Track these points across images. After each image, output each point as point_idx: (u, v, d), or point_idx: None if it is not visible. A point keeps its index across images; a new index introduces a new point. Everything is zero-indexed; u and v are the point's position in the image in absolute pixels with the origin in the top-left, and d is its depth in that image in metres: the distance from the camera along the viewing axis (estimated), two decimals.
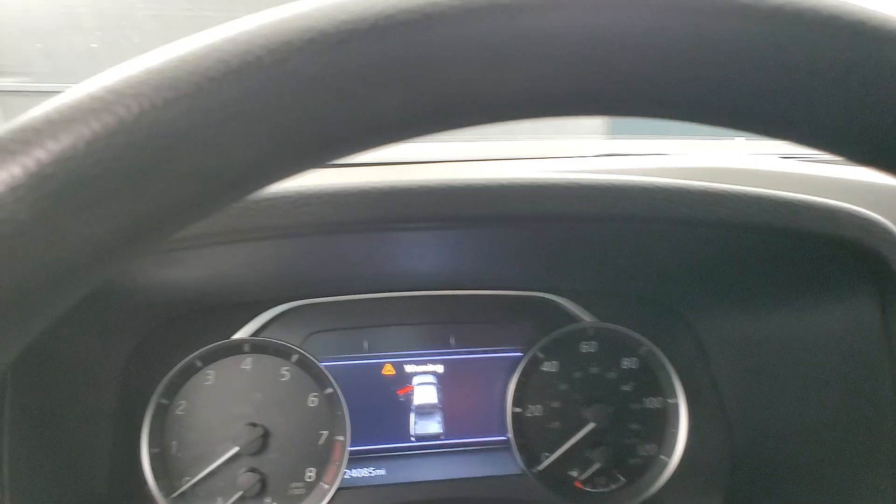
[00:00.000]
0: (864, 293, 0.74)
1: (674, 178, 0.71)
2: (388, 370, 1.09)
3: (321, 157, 0.30)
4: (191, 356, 1.00)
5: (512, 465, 1.07)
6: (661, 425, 1.11)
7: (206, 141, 0.27)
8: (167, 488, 0.98)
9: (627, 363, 1.12)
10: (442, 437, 1.08)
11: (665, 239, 0.83)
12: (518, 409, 1.08)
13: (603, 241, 0.88)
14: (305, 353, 1.04)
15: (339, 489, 1.02)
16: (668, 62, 0.28)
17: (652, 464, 1.10)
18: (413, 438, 1.08)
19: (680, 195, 0.70)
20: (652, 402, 1.11)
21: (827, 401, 0.83)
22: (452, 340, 1.11)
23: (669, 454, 1.10)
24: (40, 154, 0.25)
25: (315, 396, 1.05)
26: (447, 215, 0.68)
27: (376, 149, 0.31)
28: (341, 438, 1.03)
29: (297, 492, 1.02)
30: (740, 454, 0.99)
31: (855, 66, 0.29)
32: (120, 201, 0.27)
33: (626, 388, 1.11)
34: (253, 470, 1.00)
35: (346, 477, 1.04)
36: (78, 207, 0.26)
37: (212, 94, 0.27)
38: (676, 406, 1.10)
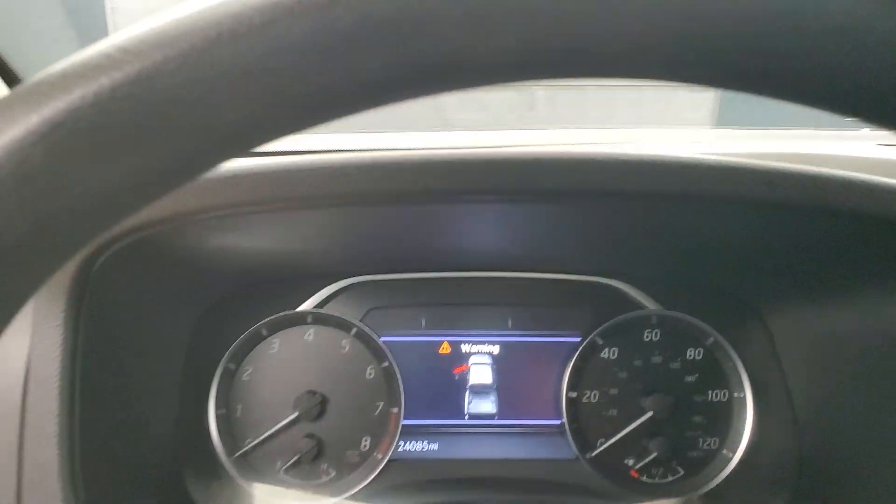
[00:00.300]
0: None
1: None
2: (445, 348, 1.10)
3: (310, 118, 0.31)
4: (257, 325, 1.06)
5: (565, 449, 1.07)
6: (726, 419, 1.07)
7: (201, 99, 0.28)
8: (230, 448, 1.04)
9: (692, 354, 1.08)
10: (496, 417, 1.09)
11: (736, 225, 0.80)
12: (573, 394, 1.07)
13: (671, 227, 0.86)
14: (364, 328, 1.07)
15: (391, 460, 1.05)
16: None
17: (713, 458, 1.06)
18: (467, 417, 1.09)
19: (749, 174, 0.67)
20: (717, 395, 1.07)
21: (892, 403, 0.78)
22: (510, 322, 1.11)
23: (733, 449, 1.05)
24: (54, 104, 0.28)
25: (372, 369, 1.08)
26: (509, 188, 0.67)
27: (367, 110, 0.32)
28: (396, 411, 1.06)
29: (352, 459, 1.05)
30: (808, 454, 0.94)
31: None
32: (123, 152, 0.29)
33: (689, 378, 1.08)
34: (311, 435, 1.04)
35: (399, 449, 1.06)
36: (85, 155, 0.28)
37: (205, 54, 0.28)
38: (743, 400, 1.06)
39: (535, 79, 0.32)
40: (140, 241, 0.69)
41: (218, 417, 1.04)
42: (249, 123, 0.31)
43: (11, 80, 0.97)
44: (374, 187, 0.65)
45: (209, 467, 1.01)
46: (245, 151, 0.33)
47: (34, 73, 0.29)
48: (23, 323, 0.71)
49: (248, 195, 0.65)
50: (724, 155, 0.69)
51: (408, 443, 1.07)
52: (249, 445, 1.04)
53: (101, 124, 0.28)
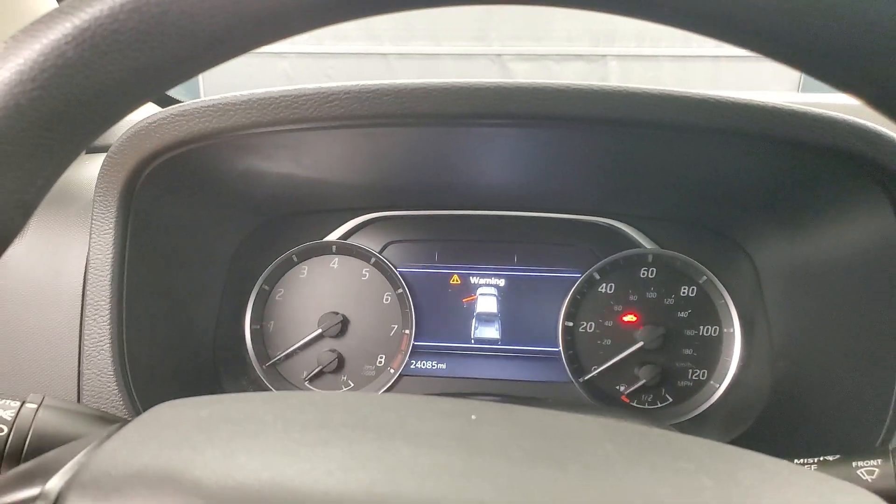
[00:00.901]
0: (883, 207, 0.74)
1: None
2: (455, 280, 1.21)
3: (270, 32, 0.42)
4: (289, 251, 1.19)
5: (561, 373, 1.16)
6: (715, 353, 1.14)
7: (185, 10, 0.40)
8: (262, 358, 1.18)
9: (685, 291, 1.16)
10: (499, 343, 1.19)
11: (721, 159, 0.86)
12: (570, 324, 1.16)
13: (666, 164, 0.93)
14: (383, 258, 1.19)
15: (403, 375, 1.17)
16: None
17: (700, 388, 1.14)
18: (473, 341, 1.20)
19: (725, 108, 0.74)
20: (708, 331, 1.14)
21: (857, 322, 0.84)
22: (516, 258, 1.20)
23: (720, 380, 1.13)
24: (82, 14, 0.40)
25: (389, 295, 1.20)
26: (517, 112, 0.74)
27: (319, 27, 0.43)
28: (408, 332, 1.18)
29: (368, 373, 1.18)
30: (779, 382, 1.01)
31: None
32: (132, 49, 0.40)
33: (681, 314, 1.15)
34: (332, 350, 1.17)
35: (410, 366, 1.18)
36: (104, 52, 0.40)
37: None
38: (732, 335, 1.13)
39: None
40: (177, 158, 0.82)
41: (252, 331, 1.18)
42: (221, 35, 0.42)
43: None
44: (394, 110, 0.75)
45: (243, 374, 1.16)
46: (222, 61, 0.44)
47: None
48: (84, 226, 0.86)
49: (267, 116, 0.77)
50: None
51: (418, 361, 1.19)
52: (279, 356, 1.18)
53: (115, 29, 0.39)
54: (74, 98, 0.40)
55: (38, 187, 0.42)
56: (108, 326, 0.82)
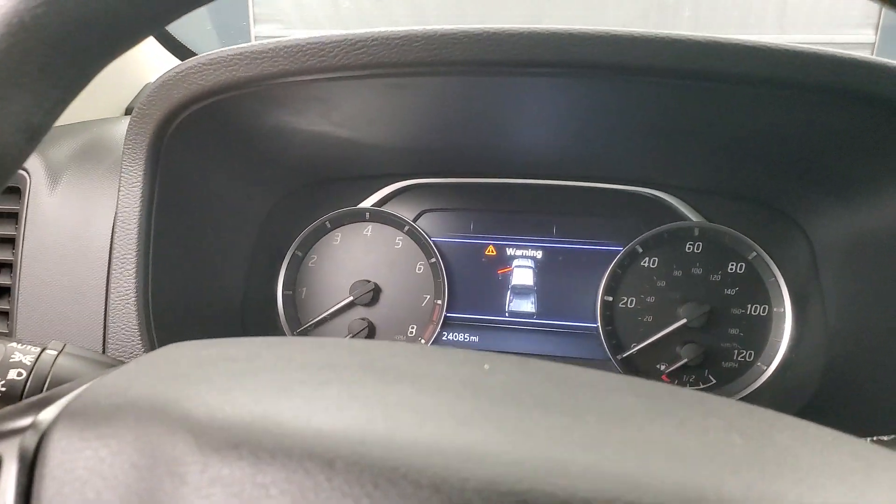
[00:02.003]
0: None
1: None
2: (491, 251, 1.17)
3: None
4: (322, 218, 1.18)
5: (599, 350, 1.12)
6: (763, 333, 1.08)
7: None
8: (294, 325, 1.17)
9: (733, 267, 1.09)
10: (534, 317, 1.15)
11: (768, 116, 0.80)
12: (609, 298, 1.11)
13: (713, 126, 0.88)
14: (416, 227, 1.16)
15: (433, 346, 1.14)
16: None
17: (746, 369, 1.08)
18: (507, 314, 1.16)
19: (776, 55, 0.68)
20: (756, 310, 1.08)
21: None
22: (555, 229, 1.16)
23: (768, 363, 1.06)
24: None
25: (422, 265, 1.17)
26: (555, 60, 0.70)
27: None
28: (440, 303, 1.15)
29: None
30: (834, 363, 0.94)
31: None
32: None
33: (728, 291, 1.09)
34: (363, 319, 1.15)
35: (442, 338, 1.16)
36: None
37: None
38: (782, 315, 1.06)
39: None
40: (205, 110, 0.81)
41: (284, 297, 1.17)
42: None
43: None
44: (423, 57, 0.71)
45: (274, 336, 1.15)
46: None
47: None
48: (115, 180, 0.86)
49: (294, 64, 0.75)
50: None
51: (450, 333, 1.16)
52: (310, 323, 1.17)
53: None
54: (80, 19, 0.38)
55: (46, 110, 0.41)
56: (134, 280, 0.81)
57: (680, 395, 0.46)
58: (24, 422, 0.41)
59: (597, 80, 0.74)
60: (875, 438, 0.61)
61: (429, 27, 0.70)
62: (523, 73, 0.71)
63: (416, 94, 0.81)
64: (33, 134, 0.41)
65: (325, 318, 1.16)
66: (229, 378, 0.42)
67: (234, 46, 0.75)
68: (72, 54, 0.40)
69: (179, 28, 1.50)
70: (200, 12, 0.51)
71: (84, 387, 0.45)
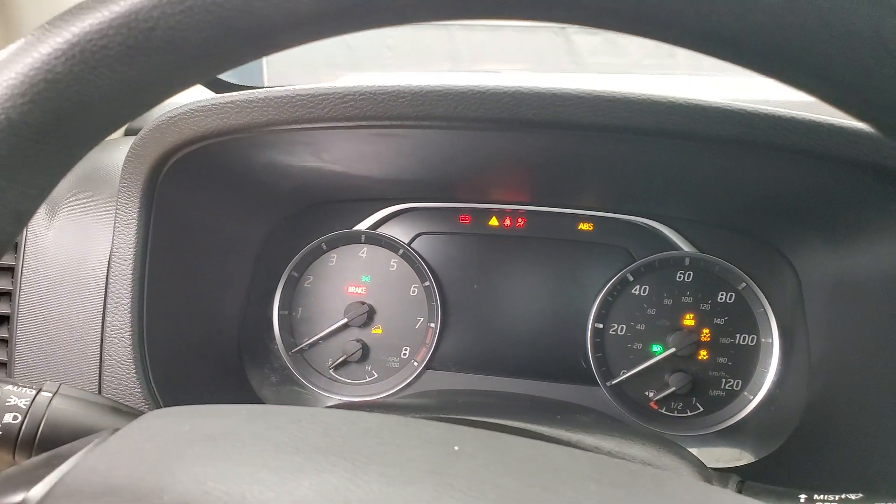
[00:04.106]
0: None
1: None
2: (484, 275, 1.19)
3: (257, 47, 0.41)
4: (318, 239, 1.19)
5: (588, 376, 1.13)
6: (751, 363, 1.09)
7: (173, 25, 0.39)
8: (289, 345, 1.19)
9: (723, 297, 1.10)
10: (526, 343, 1.17)
11: (755, 169, 0.82)
12: (599, 325, 1.13)
13: (699, 174, 0.89)
14: (411, 249, 1.18)
15: (426, 368, 1.17)
16: None
17: (733, 398, 1.09)
18: (499, 339, 1.18)
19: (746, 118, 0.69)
20: (745, 339, 1.09)
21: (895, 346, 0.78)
22: (548, 255, 1.17)
23: (755, 392, 1.08)
24: (72, 29, 0.39)
25: (416, 287, 1.19)
26: (538, 119, 0.71)
27: (303, 43, 0.41)
28: (433, 325, 1.17)
29: (392, 365, 1.18)
30: (814, 400, 0.95)
31: None
32: (121, 64, 0.40)
33: (718, 321, 1.10)
34: (358, 340, 1.18)
35: (434, 360, 1.18)
36: (93, 66, 0.39)
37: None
38: (770, 345, 1.08)
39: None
40: (198, 152, 0.82)
41: (280, 317, 1.19)
42: (208, 49, 0.41)
43: None
44: (410, 112, 0.73)
45: (266, 363, 1.18)
46: (210, 75, 0.43)
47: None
48: (111, 213, 0.88)
49: (284, 115, 0.76)
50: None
51: (443, 355, 1.18)
52: (305, 343, 1.19)
53: (104, 44, 0.39)
54: (65, 112, 0.40)
55: (32, 198, 0.42)
56: (129, 315, 0.84)
57: (639, 478, 0.47)
58: (15, 498, 0.44)
59: (580, 136, 0.75)
60: (843, 497, 0.63)
61: (415, 83, 0.71)
62: (507, 129, 0.72)
63: (403, 140, 0.82)
64: (19, 219, 0.42)
65: (319, 339, 1.19)
66: (205, 463, 0.44)
67: (225, 95, 0.77)
68: (58, 144, 0.42)
69: None
70: None
71: (73, 459, 0.47)
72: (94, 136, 0.44)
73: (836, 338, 0.93)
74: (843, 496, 0.62)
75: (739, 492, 0.67)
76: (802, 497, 0.64)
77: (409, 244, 1.19)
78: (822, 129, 0.66)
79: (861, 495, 0.62)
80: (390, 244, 1.19)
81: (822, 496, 0.63)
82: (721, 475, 0.72)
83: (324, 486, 0.42)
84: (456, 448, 0.48)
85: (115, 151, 1.05)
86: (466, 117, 0.71)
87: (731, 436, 1.07)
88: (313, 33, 0.41)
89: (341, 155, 0.91)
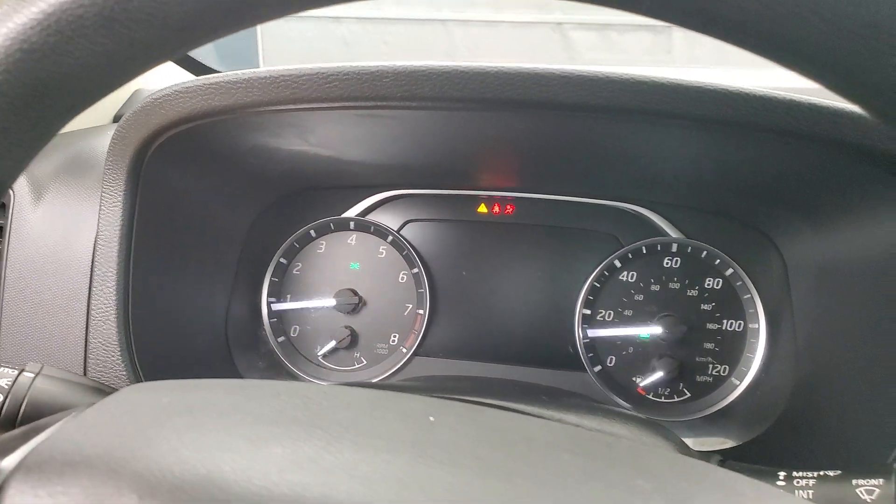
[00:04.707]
0: None
1: None
2: (473, 262, 1.19)
3: (246, 17, 0.41)
4: (307, 226, 1.19)
5: (576, 361, 1.14)
6: (738, 349, 1.09)
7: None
8: (278, 332, 1.19)
9: (710, 283, 1.11)
10: (514, 329, 1.17)
11: (733, 154, 0.82)
12: (587, 311, 1.13)
13: (683, 156, 0.89)
14: (400, 236, 1.18)
15: (415, 355, 1.17)
16: None
17: (720, 384, 1.10)
18: (488, 325, 1.18)
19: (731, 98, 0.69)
20: (732, 325, 1.10)
21: (878, 329, 0.79)
22: (536, 241, 1.17)
23: (741, 378, 1.08)
24: (44, 2, 0.39)
25: (405, 274, 1.19)
26: (522, 98, 0.71)
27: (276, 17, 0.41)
28: (422, 312, 1.17)
29: (381, 351, 1.18)
30: (800, 384, 0.96)
31: None
32: (98, 35, 0.40)
33: (705, 307, 1.11)
34: (347, 327, 1.18)
35: (423, 347, 1.18)
36: (69, 37, 0.39)
37: None
38: (756, 331, 1.08)
39: None
40: (183, 134, 0.82)
41: (269, 304, 1.20)
42: (189, 20, 0.41)
43: None
44: (393, 92, 0.72)
45: (254, 348, 1.18)
46: (191, 46, 0.43)
47: None
48: (97, 197, 0.88)
49: (268, 95, 0.76)
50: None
51: (431, 342, 1.18)
52: (294, 331, 1.19)
53: (80, 14, 0.39)
54: (41, 83, 0.40)
55: (9, 169, 0.42)
56: (114, 298, 0.84)
57: (615, 450, 0.48)
58: None
59: (565, 117, 0.75)
60: (821, 473, 0.63)
61: (399, 63, 0.71)
62: (491, 109, 0.73)
63: (389, 122, 0.83)
64: None
65: (308, 325, 1.19)
66: (181, 433, 0.44)
67: (209, 76, 0.77)
68: (35, 116, 0.42)
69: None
70: None
71: (48, 431, 0.47)
72: (73, 108, 0.44)
73: (822, 322, 0.93)
74: (821, 473, 0.63)
75: None
76: (782, 474, 0.64)
77: (398, 231, 1.19)
78: (802, 109, 0.66)
79: (839, 472, 0.62)
80: (379, 231, 1.19)
81: (801, 473, 0.64)
82: (703, 455, 0.72)
83: (297, 453, 0.42)
84: (432, 419, 0.49)
85: (102, 137, 1.05)
86: (451, 97, 0.71)
87: (718, 421, 1.08)
88: (294, 2, 0.41)
89: (328, 138, 0.91)
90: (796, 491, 0.62)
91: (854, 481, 0.61)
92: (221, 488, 0.38)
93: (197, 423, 0.46)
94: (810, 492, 0.61)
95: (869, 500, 0.60)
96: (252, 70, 0.76)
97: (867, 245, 0.81)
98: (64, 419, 0.49)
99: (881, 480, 0.59)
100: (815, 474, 0.63)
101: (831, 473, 0.63)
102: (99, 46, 0.40)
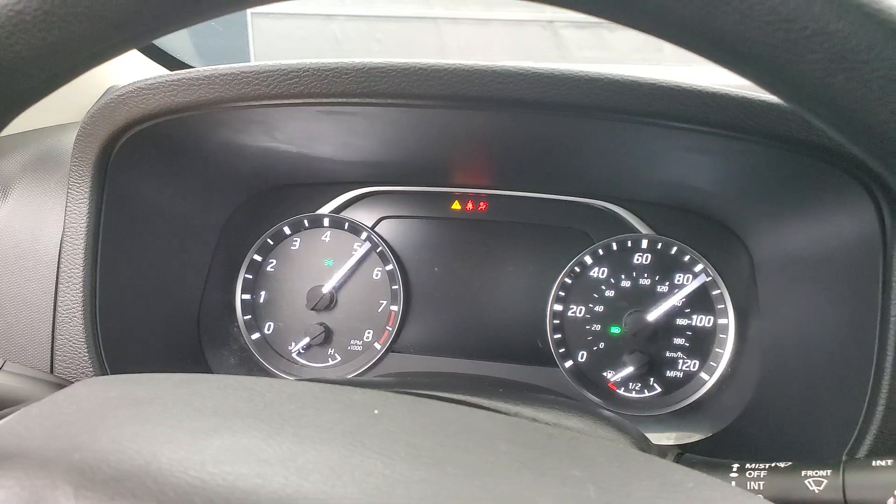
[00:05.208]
0: (864, 203, 0.70)
1: None
2: (446, 258, 1.19)
3: (186, 15, 0.41)
4: (281, 223, 1.20)
5: (547, 357, 1.14)
6: (707, 344, 1.10)
7: None
8: (252, 329, 1.20)
9: (680, 279, 1.12)
10: (487, 324, 1.18)
11: (700, 148, 0.83)
12: (558, 307, 1.14)
13: (652, 151, 0.90)
14: (374, 233, 1.18)
15: (389, 351, 1.18)
16: None
17: (690, 379, 1.11)
18: (460, 321, 1.18)
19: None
20: (702, 321, 1.11)
21: (837, 323, 0.80)
22: (508, 238, 1.18)
23: (711, 373, 1.09)
24: None
25: (379, 271, 1.20)
26: (478, 95, 0.71)
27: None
28: (396, 309, 1.18)
29: (355, 347, 1.19)
30: (765, 379, 0.97)
31: None
32: (38, 30, 0.40)
33: (675, 303, 1.11)
34: (321, 324, 1.18)
35: (396, 343, 1.18)
36: (9, 32, 0.39)
37: None
38: (726, 327, 1.09)
39: None
40: (148, 131, 0.83)
41: (243, 301, 1.20)
42: (129, 15, 0.41)
43: None
44: (353, 88, 0.73)
45: (226, 345, 1.18)
46: (136, 43, 0.44)
47: None
48: (64, 194, 0.88)
49: (231, 92, 0.77)
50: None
51: (405, 338, 1.19)
52: (268, 327, 1.20)
53: (19, 9, 0.39)
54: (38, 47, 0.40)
55: None
56: (81, 294, 0.84)
57: (556, 440, 0.48)
58: None
59: (525, 115, 0.75)
60: (772, 465, 0.64)
61: (358, 60, 0.72)
62: (451, 105, 0.73)
63: (353, 119, 0.83)
64: None
65: (282, 322, 1.19)
66: (124, 425, 0.45)
67: (173, 73, 0.77)
68: None
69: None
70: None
71: None
72: (17, 103, 0.44)
73: (786, 317, 0.94)
74: (772, 465, 0.64)
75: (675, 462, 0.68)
76: (735, 466, 0.65)
77: (372, 228, 1.19)
78: (753, 106, 0.67)
79: (790, 463, 0.63)
80: (354, 228, 1.20)
81: (753, 465, 0.64)
82: (662, 449, 0.73)
83: (235, 445, 0.43)
84: (376, 412, 0.49)
85: (70, 133, 1.05)
86: (410, 94, 0.72)
87: (687, 416, 1.09)
88: (235, 4, 0.41)
89: (294, 134, 0.91)
90: (748, 483, 0.63)
91: (803, 472, 0.61)
92: (156, 479, 0.39)
93: (140, 416, 0.46)
94: (762, 483, 0.62)
95: (816, 491, 0.61)
96: (214, 67, 0.76)
97: (821, 239, 0.82)
98: (11, 415, 0.49)
99: (829, 472, 0.60)
100: (767, 466, 0.64)
101: (782, 465, 0.64)
102: (40, 41, 0.40)
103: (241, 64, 0.75)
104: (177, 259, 1.05)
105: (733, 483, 0.61)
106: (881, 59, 0.34)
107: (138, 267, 0.95)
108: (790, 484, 0.61)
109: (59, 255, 0.85)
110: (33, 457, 0.41)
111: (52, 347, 0.84)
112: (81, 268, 0.84)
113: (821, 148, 0.67)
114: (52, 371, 0.84)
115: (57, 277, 0.85)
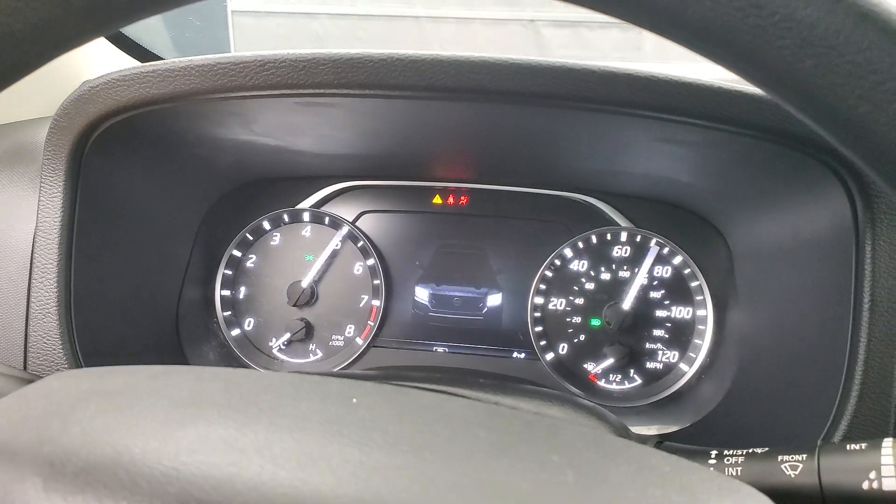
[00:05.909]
0: (836, 192, 0.71)
1: None
2: (428, 252, 1.19)
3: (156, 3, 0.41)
4: (260, 218, 1.19)
5: (528, 349, 1.15)
6: (687, 335, 1.11)
7: None
8: (232, 325, 1.19)
9: (659, 271, 1.13)
10: (468, 318, 1.18)
11: (677, 139, 0.83)
12: (539, 300, 1.14)
13: (628, 142, 0.90)
14: (355, 227, 1.18)
15: (371, 346, 1.17)
16: None
17: (670, 370, 1.11)
18: (442, 315, 1.18)
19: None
20: (681, 313, 1.12)
21: (812, 311, 0.81)
22: (489, 232, 1.18)
23: (690, 364, 1.10)
24: None
25: (360, 265, 1.19)
26: (455, 85, 0.71)
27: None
28: (377, 304, 1.17)
29: (337, 343, 1.18)
30: (743, 369, 0.98)
31: None
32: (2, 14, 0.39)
33: (654, 294, 1.12)
34: (302, 319, 1.17)
35: (378, 338, 1.18)
36: None
37: None
38: (704, 318, 1.10)
39: None
40: (124, 123, 0.81)
41: (223, 297, 1.19)
42: (94, 3, 0.40)
43: None
44: (330, 79, 0.72)
45: (205, 341, 1.17)
46: (102, 31, 0.43)
47: None
48: (37, 188, 0.87)
49: (206, 83, 0.76)
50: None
51: (387, 333, 1.19)
52: (249, 323, 1.19)
53: None
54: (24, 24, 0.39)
55: None
56: (55, 290, 0.83)
57: (535, 427, 0.49)
58: None
59: (501, 106, 0.75)
60: (749, 451, 0.65)
61: (334, 50, 0.71)
62: (427, 96, 0.73)
63: (330, 111, 0.83)
64: None
65: (262, 318, 1.18)
66: (94, 416, 0.44)
67: (147, 64, 0.76)
68: None
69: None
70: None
71: None
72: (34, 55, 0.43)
73: (762, 307, 0.95)
74: (749, 451, 0.64)
75: None
76: (713, 453, 0.65)
77: (353, 222, 1.19)
78: (728, 95, 0.68)
79: (766, 449, 0.64)
80: (334, 222, 1.19)
81: (731, 452, 0.65)
82: (642, 438, 0.73)
83: (211, 435, 0.42)
84: (354, 401, 0.49)
85: (43, 128, 1.03)
86: (387, 84, 0.71)
87: (667, 406, 1.09)
88: None
89: (272, 126, 0.91)
90: (726, 469, 0.64)
91: (780, 458, 0.62)
92: (128, 470, 0.38)
93: (112, 408, 0.46)
94: (739, 469, 0.63)
95: (793, 476, 0.61)
96: (189, 58, 0.75)
97: (797, 229, 0.82)
98: None
99: (804, 456, 0.61)
100: (744, 452, 0.65)
101: (759, 451, 0.64)
102: (5, 27, 0.39)
103: (217, 55, 0.75)
104: (154, 254, 1.04)
105: (711, 469, 0.61)
106: (848, 45, 0.34)
107: (114, 262, 0.94)
108: (767, 469, 0.62)
109: (33, 250, 0.84)
110: (2, 450, 0.41)
111: (26, 344, 0.83)
112: (55, 263, 0.83)
113: (794, 137, 0.67)
114: (25, 368, 0.83)
115: (30, 273, 0.84)
